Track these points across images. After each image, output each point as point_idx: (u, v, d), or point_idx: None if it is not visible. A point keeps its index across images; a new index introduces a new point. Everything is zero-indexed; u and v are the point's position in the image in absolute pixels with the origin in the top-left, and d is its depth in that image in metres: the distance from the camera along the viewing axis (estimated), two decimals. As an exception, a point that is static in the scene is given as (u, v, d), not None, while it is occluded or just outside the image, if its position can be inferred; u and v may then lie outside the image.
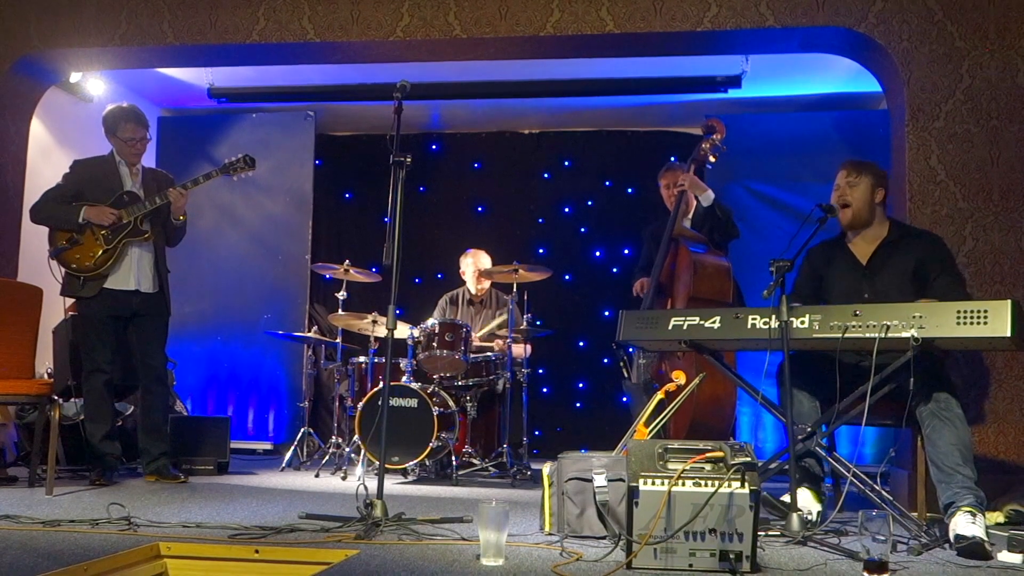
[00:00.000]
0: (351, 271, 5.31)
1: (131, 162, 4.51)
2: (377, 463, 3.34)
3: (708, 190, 4.73)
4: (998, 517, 3.43)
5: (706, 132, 4.75)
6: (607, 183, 7.01)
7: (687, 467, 2.47)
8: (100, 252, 4.34)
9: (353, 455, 5.04)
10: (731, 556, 2.39)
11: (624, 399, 5.76)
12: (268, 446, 6.69)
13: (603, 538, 2.88)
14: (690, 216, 4.79)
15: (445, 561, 2.50)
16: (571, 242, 6.99)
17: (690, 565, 2.41)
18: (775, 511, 3.24)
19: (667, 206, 4.86)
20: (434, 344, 4.92)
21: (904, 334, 3.00)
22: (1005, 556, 2.74)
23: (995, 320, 2.91)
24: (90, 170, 4.47)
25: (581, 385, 6.87)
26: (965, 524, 2.84)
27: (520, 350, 5.29)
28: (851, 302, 3.33)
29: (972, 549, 2.75)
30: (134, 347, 4.49)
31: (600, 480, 2.90)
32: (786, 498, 3.16)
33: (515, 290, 5.17)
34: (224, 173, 4.54)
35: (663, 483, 2.44)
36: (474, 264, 5.75)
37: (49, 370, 5.08)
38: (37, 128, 5.64)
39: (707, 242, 4.60)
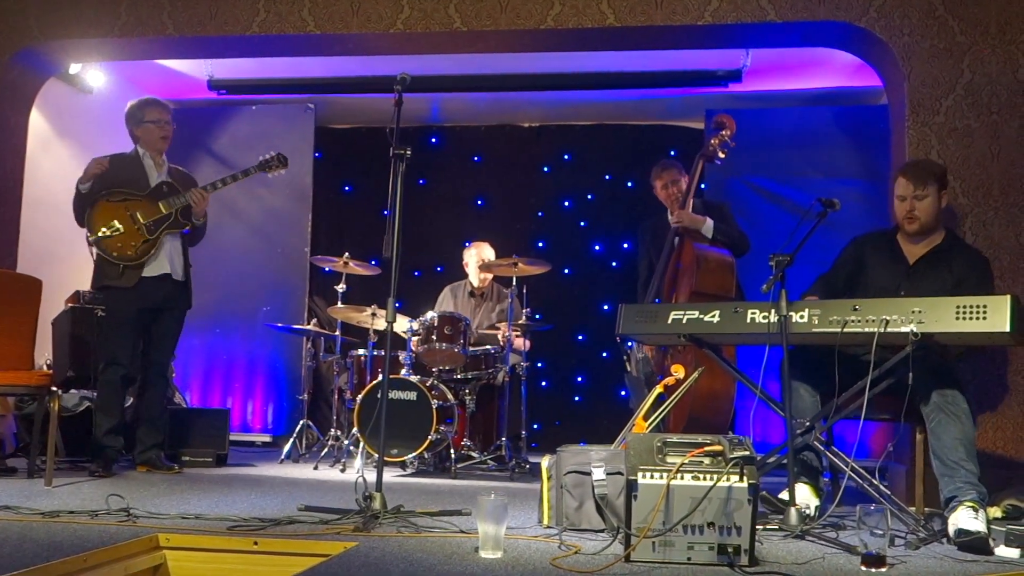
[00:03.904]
0: (350, 264, 5.31)
1: (159, 148, 4.56)
2: (376, 456, 3.35)
3: (707, 220, 4.55)
4: (996, 512, 3.44)
5: (715, 128, 4.73)
6: (607, 177, 6.99)
7: (686, 461, 2.48)
8: (142, 242, 4.36)
9: (352, 447, 5.05)
10: (729, 549, 2.40)
11: (623, 393, 5.76)
12: (267, 438, 6.70)
13: (601, 531, 2.89)
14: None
15: (444, 554, 2.51)
16: (571, 236, 6.97)
17: (688, 558, 2.42)
18: (772, 508, 3.24)
19: (664, 205, 4.85)
20: (433, 337, 4.93)
21: (903, 329, 3.00)
22: (1003, 551, 2.75)
23: (994, 315, 2.90)
24: (116, 166, 4.48)
25: (580, 379, 6.88)
26: (967, 519, 2.85)
27: (519, 343, 5.29)
28: (887, 295, 3.30)
29: (974, 544, 2.75)
30: (148, 340, 4.50)
31: (599, 473, 2.90)
32: (784, 495, 3.17)
33: (514, 284, 5.17)
34: (260, 171, 4.64)
35: (662, 477, 2.45)
36: (477, 256, 5.74)
37: (48, 361, 5.08)
38: (36, 119, 5.62)
39: None
